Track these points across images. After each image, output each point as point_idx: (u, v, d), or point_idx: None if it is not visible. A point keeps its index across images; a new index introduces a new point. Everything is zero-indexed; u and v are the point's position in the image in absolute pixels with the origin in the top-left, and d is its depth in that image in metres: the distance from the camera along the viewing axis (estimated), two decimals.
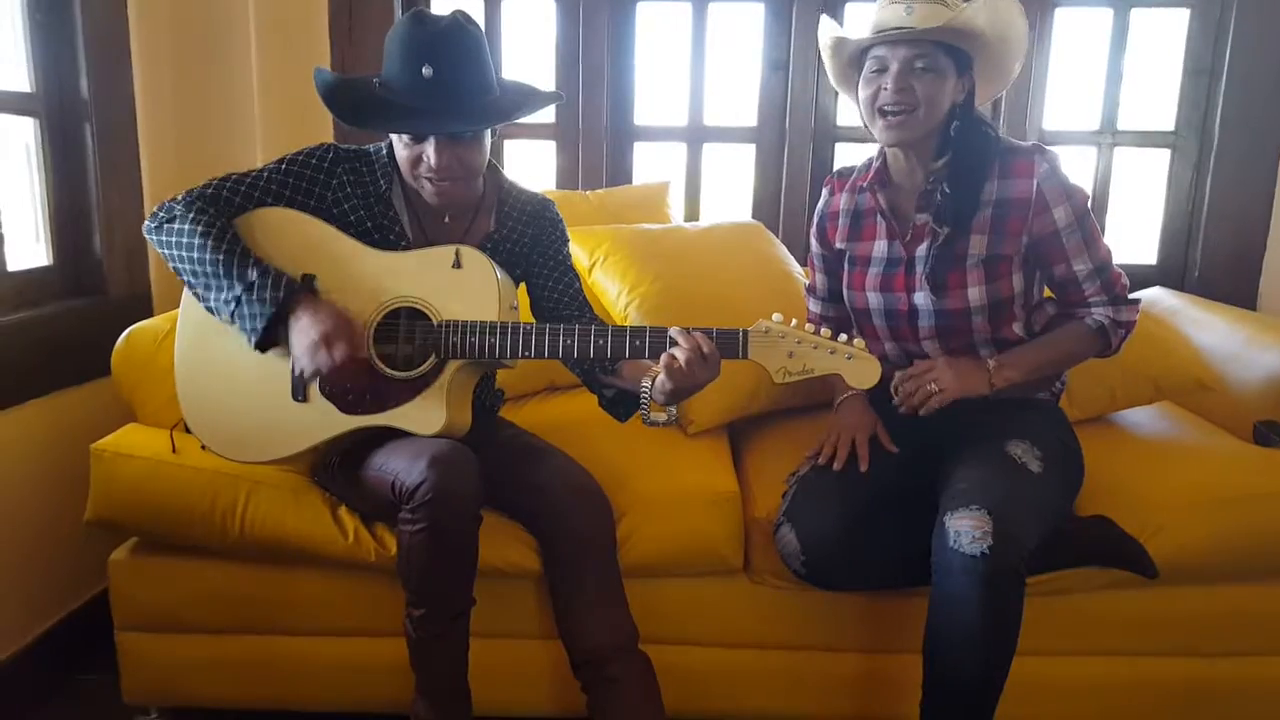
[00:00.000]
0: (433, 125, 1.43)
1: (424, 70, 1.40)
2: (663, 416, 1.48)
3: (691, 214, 2.70)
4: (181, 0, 2.27)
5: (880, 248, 1.66)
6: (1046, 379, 1.68)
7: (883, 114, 1.53)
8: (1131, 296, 1.62)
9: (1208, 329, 2.14)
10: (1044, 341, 1.62)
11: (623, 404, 1.62)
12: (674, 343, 1.40)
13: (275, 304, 1.41)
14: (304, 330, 1.41)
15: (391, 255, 1.53)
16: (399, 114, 1.44)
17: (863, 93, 1.56)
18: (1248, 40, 2.41)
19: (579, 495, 1.56)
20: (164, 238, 1.49)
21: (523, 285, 1.70)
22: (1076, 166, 2.61)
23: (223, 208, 1.51)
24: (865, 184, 1.67)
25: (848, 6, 2.58)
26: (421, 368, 1.48)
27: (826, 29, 1.61)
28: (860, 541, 1.54)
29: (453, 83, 1.42)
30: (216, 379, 1.54)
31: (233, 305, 1.43)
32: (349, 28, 2.45)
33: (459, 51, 1.43)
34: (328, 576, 1.66)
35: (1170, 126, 2.57)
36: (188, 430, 1.58)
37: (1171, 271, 2.59)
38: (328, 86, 1.50)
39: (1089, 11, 2.57)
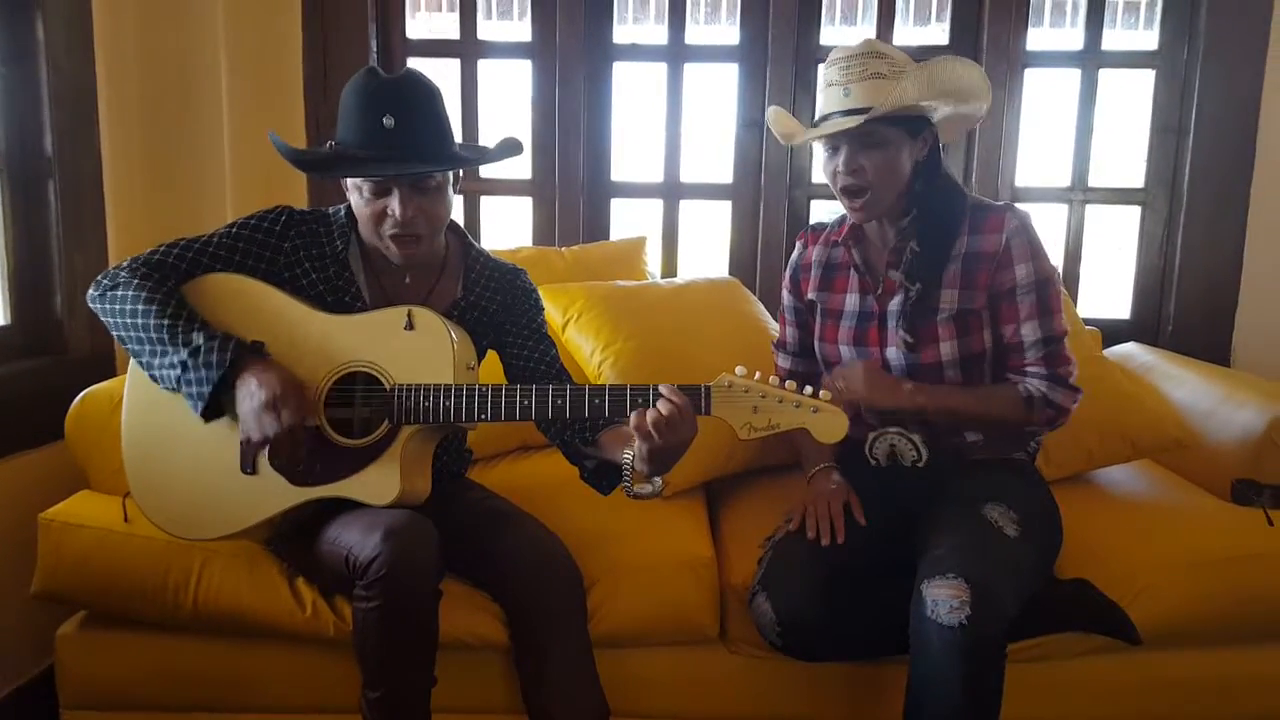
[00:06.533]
0: (400, 169, 1.41)
1: (385, 120, 1.39)
2: (648, 488, 1.42)
3: (669, 270, 2.69)
4: (152, 57, 2.24)
5: (852, 301, 1.66)
6: (980, 431, 1.61)
7: (845, 194, 1.55)
8: (1075, 385, 1.55)
9: (1183, 385, 2.14)
10: (970, 390, 1.58)
11: (605, 476, 1.57)
12: (637, 403, 1.35)
13: (221, 368, 1.36)
14: (251, 394, 1.35)
15: (343, 318, 1.49)
16: (365, 161, 1.42)
17: (825, 171, 1.59)
18: (1213, 98, 2.45)
19: (548, 566, 1.50)
20: (107, 305, 1.45)
21: (493, 355, 1.66)
22: (1049, 223, 2.62)
23: (169, 273, 1.47)
24: (839, 239, 1.68)
25: (819, 67, 2.59)
26: (373, 435, 1.43)
27: (774, 123, 1.65)
28: (838, 610, 1.50)
29: (416, 129, 1.42)
30: (163, 453, 1.48)
31: (177, 371, 1.38)
32: (324, 86, 2.44)
33: (418, 100, 1.43)
34: (286, 651, 1.60)
35: (1140, 183, 2.60)
36: None
37: (1145, 327, 2.60)
38: (289, 150, 1.49)
39: (1058, 72, 2.61)
